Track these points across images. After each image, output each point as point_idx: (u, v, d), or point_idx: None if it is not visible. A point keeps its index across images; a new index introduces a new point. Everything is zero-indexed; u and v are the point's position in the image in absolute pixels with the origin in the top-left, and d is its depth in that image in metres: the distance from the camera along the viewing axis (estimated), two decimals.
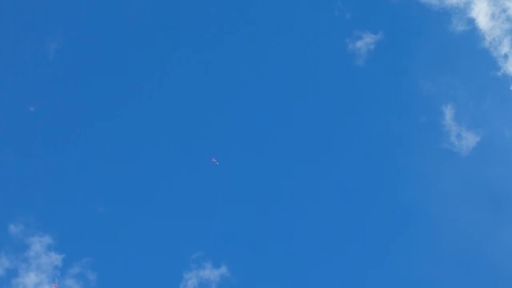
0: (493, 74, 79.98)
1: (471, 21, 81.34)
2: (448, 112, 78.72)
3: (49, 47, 78.74)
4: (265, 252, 73.61)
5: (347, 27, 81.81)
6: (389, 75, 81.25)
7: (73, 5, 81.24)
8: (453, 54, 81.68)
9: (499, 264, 72.40)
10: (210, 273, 71.98)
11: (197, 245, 73.05)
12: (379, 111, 79.84)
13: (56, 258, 71.02)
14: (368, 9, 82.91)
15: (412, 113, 79.71)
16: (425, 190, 76.11)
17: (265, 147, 77.71)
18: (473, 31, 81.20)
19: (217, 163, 73.98)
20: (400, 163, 77.45)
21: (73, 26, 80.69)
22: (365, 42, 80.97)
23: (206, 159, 76.11)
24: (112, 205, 74.11)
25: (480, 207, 75.03)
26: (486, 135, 77.71)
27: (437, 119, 78.79)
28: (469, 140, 77.59)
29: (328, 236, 74.13)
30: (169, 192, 75.46)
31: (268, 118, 79.11)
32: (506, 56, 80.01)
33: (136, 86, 79.55)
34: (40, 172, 74.81)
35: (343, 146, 78.43)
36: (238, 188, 76.24)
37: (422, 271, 72.43)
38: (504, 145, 77.58)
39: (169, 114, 78.40)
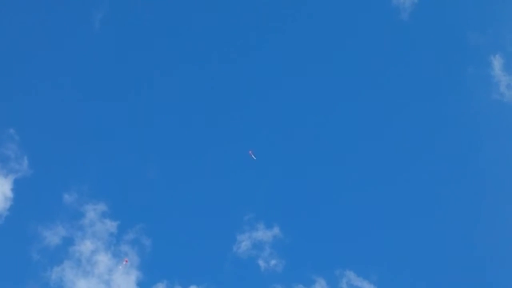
0: None
1: None
2: (497, 62, 77.73)
3: (94, 17, 79.21)
4: (317, 211, 73.63)
5: None
6: (435, 28, 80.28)
7: None
8: (500, 3, 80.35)
9: None
10: (263, 234, 72.18)
11: (249, 207, 73.32)
12: (426, 65, 79.08)
13: (111, 225, 71.68)
14: None
15: (460, 65, 78.93)
16: (477, 141, 75.71)
17: (320, 110, 77.93)
18: None
19: (254, 157, 73.65)
20: (450, 115, 77.02)
21: None
22: None
23: (255, 124, 77.08)
24: (163, 170, 74.66)
25: None
26: None
27: (486, 70, 77.92)
28: None
29: (382, 196, 74.38)
30: (219, 155, 75.77)
31: (317, 76, 79.09)
32: None
33: (185, 55, 79.84)
34: (90, 141, 75.56)
35: (392, 101, 78.28)
36: (287, 149, 76.44)
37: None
38: None
39: (218, 83, 78.79)
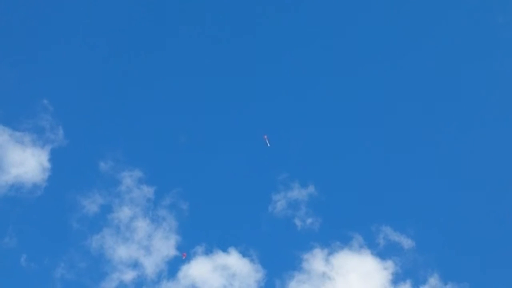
0: None
1: None
2: None
3: None
4: (351, 168, 73.95)
5: None
6: None
7: None
8: None
9: None
10: (298, 193, 72.47)
11: (283, 167, 73.55)
12: (455, 15, 78.56)
13: (147, 191, 72.20)
14: None
15: (489, 14, 78.16)
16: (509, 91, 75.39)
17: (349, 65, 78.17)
18: None
19: (268, 144, 73.54)
20: (479, 66, 76.64)
21: None
22: None
23: (287, 81, 77.38)
24: (195, 133, 75.00)
25: None
26: None
27: None
28: None
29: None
30: (252, 115, 76.20)
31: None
32: None
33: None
34: (123, 108, 76.19)
35: (419, 50, 78.12)
36: (318, 107, 76.61)
37: None
38: None
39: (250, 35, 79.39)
